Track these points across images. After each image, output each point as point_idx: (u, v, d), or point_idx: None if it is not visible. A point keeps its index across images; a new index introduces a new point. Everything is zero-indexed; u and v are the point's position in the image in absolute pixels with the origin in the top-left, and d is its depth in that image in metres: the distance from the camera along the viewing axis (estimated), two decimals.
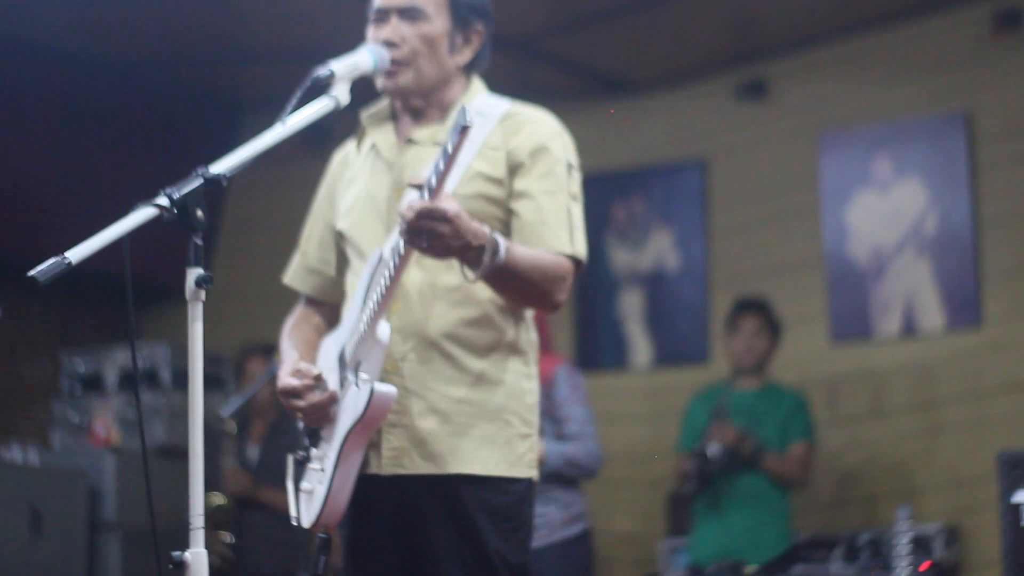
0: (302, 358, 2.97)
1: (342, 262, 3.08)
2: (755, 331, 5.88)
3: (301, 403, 2.85)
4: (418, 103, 2.99)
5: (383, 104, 3.07)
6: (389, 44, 2.91)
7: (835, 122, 6.65)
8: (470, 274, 2.72)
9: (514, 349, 2.94)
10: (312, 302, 3.15)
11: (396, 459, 2.86)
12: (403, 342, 2.86)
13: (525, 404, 2.95)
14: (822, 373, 6.46)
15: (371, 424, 2.79)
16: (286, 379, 2.87)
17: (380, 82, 2.94)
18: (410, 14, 2.93)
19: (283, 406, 2.93)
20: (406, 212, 2.59)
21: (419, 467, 2.85)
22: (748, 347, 5.85)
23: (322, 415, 2.85)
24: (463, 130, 2.50)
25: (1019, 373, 6.00)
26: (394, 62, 2.91)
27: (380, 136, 3.02)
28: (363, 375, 2.79)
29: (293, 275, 3.18)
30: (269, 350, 6.19)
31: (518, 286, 2.81)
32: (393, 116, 3.05)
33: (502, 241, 2.71)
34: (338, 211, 3.06)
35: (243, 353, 6.18)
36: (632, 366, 7.04)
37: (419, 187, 2.61)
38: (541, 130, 2.97)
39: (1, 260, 5.84)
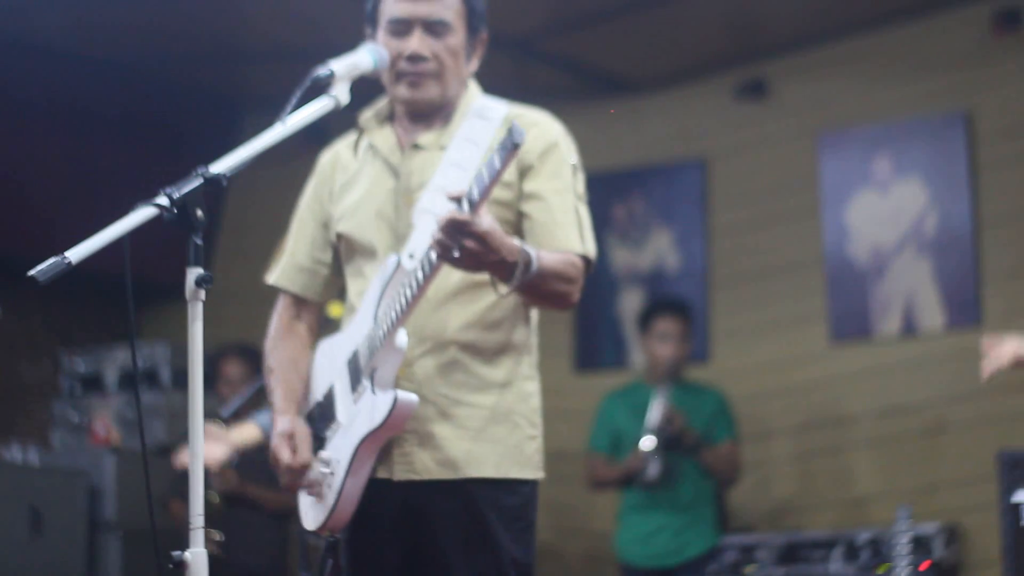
0: (285, 400, 2.99)
1: (338, 263, 3.08)
2: (681, 336, 5.91)
3: (284, 477, 2.91)
4: (429, 111, 2.99)
5: (380, 105, 3.06)
6: (417, 58, 2.91)
7: (835, 122, 6.65)
8: (502, 288, 2.73)
9: (520, 351, 2.96)
10: (299, 302, 3.12)
11: (409, 464, 2.87)
12: (414, 347, 2.86)
13: (531, 407, 2.97)
14: (822, 373, 6.46)
15: (390, 431, 2.80)
16: (278, 441, 2.92)
17: (402, 92, 2.94)
18: (438, 28, 2.92)
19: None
20: (440, 223, 2.58)
21: (433, 472, 2.86)
22: (676, 352, 5.86)
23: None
24: (515, 148, 2.50)
25: (1019, 373, 5.99)
26: (419, 75, 2.92)
27: (380, 139, 3.02)
28: (381, 381, 2.80)
29: (281, 275, 3.14)
30: (245, 350, 6.19)
31: (543, 293, 2.83)
32: (390, 118, 3.05)
33: (533, 253, 2.72)
34: (333, 213, 3.05)
35: (218, 353, 6.18)
36: (632, 366, 7.04)
37: (457, 199, 2.59)
38: (548, 132, 2.99)
39: (1, 260, 5.84)
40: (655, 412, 5.70)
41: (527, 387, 2.97)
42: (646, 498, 5.76)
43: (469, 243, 2.57)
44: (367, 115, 3.06)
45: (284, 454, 2.88)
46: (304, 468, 2.88)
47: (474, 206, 2.56)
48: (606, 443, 5.91)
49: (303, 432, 2.92)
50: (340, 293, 3.18)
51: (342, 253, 3.05)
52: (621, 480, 5.83)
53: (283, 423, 2.94)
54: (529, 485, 2.94)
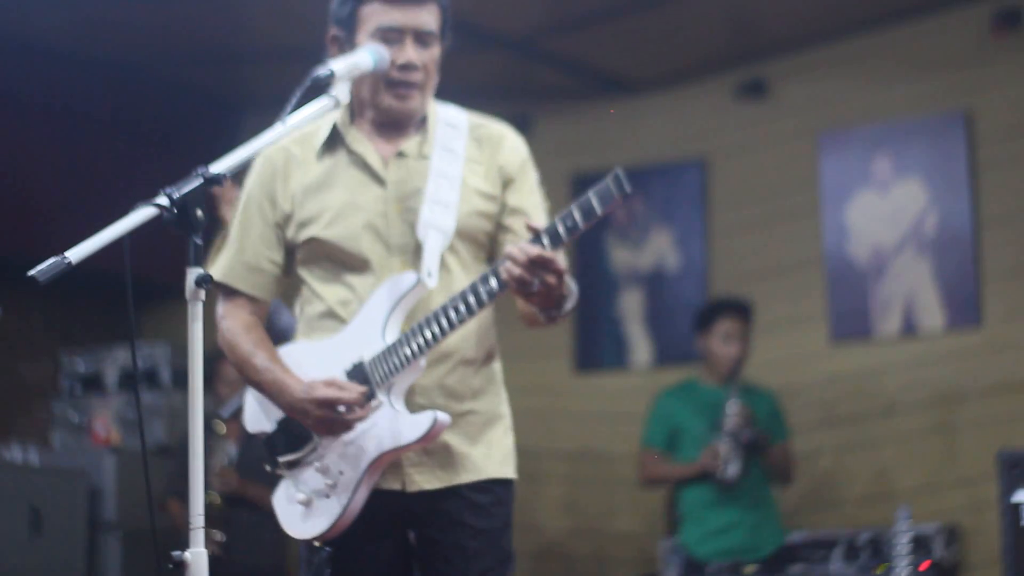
0: (287, 371, 2.89)
1: (290, 263, 3.02)
2: (743, 335, 5.87)
3: (350, 416, 2.79)
4: (406, 121, 2.98)
5: (342, 108, 2.98)
6: (410, 67, 2.90)
7: (835, 122, 6.65)
8: (550, 320, 2.76)
9: (496, 357, 3.03)
10: (249, 301, 3.02)
11: (421, 475, 2.88)
12: None
13: (509, 409, 3.04)
14: (822, 373, 6.46)
15: (416, 448, 2.82)
16: (324, 391, 2.80)
17: (387, 102, 2.91)
18: (426, 38, 2.91)
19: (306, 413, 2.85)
20: (522, 258, 2.59)
21: (442, 480, 2.89)
22: (739, 353, 5.81)
23: (347, 428, 2.83)
24: (623, 198, 2.54)
25: (1019, 373, 6.00)
26: (411, 85, 2.91)
27: (358, 144, 2.97)
28: (397, 396, 2.82)
29: (228, 272, 3.00)
30: None
31: (564, 317, 2.84)
32: (350, 119, 3.00)
33: (573, 285, 2.75)
34: (295, 215, 2.96)
35: (216, 354, 6.15)
36: (632, 366, 7.04)
37: (535, 232, 2.62)
38: (519, 145, 3.03)
39: (1, 260, 5.84)
40: (731, 413, 5.67)
41: (504, 391, 3.04)
42: (718, 495, 5.71)
43: (551, 279, 2.61)
44: (339, 116, 2.99)
45: (343, 392, 2.79)
46: (365, 394, 2.81)
47: (559, 245, 2.60)
48: (662, 439, 5.87)
49: (337, 379, 2.85)
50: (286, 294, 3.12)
51: (303, 255, 2.98)
52: (688, 478, 5.77)
53: (306, 382, 2.84)
54: (514, 483, 3.01)
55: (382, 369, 2.83)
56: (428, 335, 2.77)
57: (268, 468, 3.00)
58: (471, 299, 2.73)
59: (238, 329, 2.98)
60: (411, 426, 2.79)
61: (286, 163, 2.99)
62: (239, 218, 3.02)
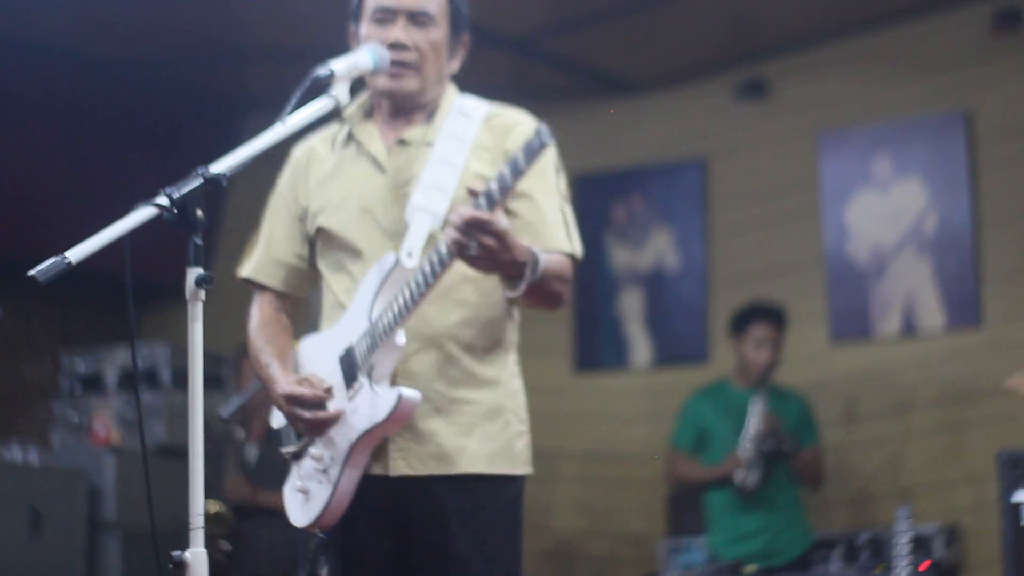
0: (283, 367, 2.94)
1: (314, 257, 3.06)
2: (776, 341, 5.84)
3: (306, 414, 2.83)
4: (408, 105, 3.00)
5: (361, 100, 3.05)
6: (398, 46, 2.91)
7: (835, 122, 6.65)
8: (512, 291, 2.75)
9: (508, 348, 2.99)
10: (277, 297, 3.09)
11: (405, 460, 2.87)
12: (410, 343, 2.86)
13: (519, 403, 3.00)
14: (822, 373, 6.46)
15: (391, 427, 2.81)
16: (292, 387, 2.85)
17: (382, 83, 2.94)
18: (420, 19, 2.93)
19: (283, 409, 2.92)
20: (456, 220, 2.59)
21: (429, 467, 2.87)
22: (771, 358, 5.79)
23: (322, 428, 2.85)
24: (542, 148, 2.54)
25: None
26: (402, 64, 2.92)
27: (364, 134, 3.01)
28: (379, 378, 2.81)
29: (258, 269, 3.09)
30: None
31: (543, 293, 2.83)
32: (369, 113, 3.04)
33: (540, 254, 2.74)
34: (310, 207, 3.02)
35: (240, 353, 6.16)
36: (632, 366, 7.04)
37: (475, 195, 2.61)
38: (531, 131, 3.01)
39: (1, 260, 5.84)
40: (754, 420, 5.65)
41: (515, 384, 3.00)
42: (743, 500, 5.69)
43: (488, 241, 2.59)
44: (351, 109, 3.03)
45: (307, 389, 2.83)
46: (328, 392, 2.84)
47: (494, 205, 2.59)
48: (691, 441, 5.86)
49: (314, 375, 2.89)
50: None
51: (319, 247, 3.03)
52: (711, 482, 5.76)
53: (290, 377, 2.90)
54: (519, 480, 2.96)
55: (362, 351, 2.84)
56: (394, 311, 2.78)
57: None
58: (426, 269, 2.72)
59: (256, 325, 3.06)
60: (380, 405, 2.78)
61: (308, 160, 3.07)
62: (269, 216, 3.11)
